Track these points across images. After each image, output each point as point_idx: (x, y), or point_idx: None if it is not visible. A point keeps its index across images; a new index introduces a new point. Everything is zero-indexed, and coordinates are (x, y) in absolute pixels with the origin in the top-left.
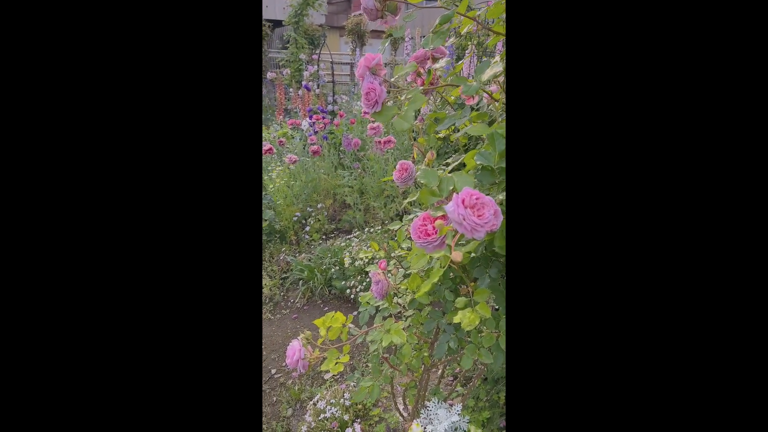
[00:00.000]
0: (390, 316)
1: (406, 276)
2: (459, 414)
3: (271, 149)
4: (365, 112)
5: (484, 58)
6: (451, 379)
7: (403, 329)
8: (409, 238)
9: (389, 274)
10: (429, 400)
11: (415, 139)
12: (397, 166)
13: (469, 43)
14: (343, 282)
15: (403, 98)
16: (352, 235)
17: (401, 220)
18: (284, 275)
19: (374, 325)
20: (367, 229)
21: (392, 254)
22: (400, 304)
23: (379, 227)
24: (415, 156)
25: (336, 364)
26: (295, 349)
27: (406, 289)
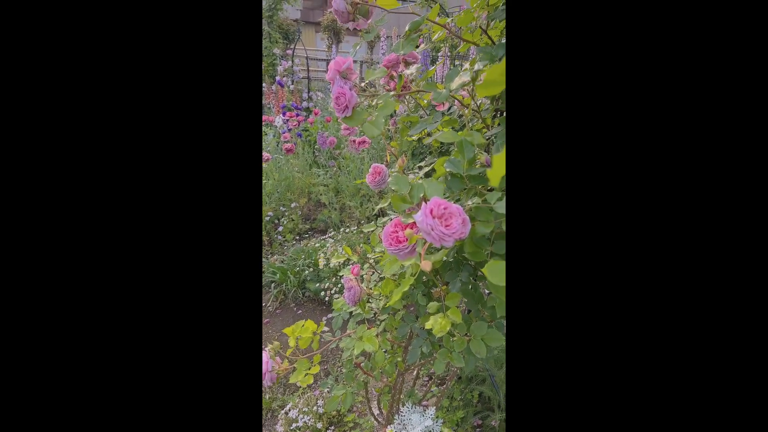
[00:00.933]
0: (363, 321)
1: (381, 279)
2: (432, 418)
3: None
4: (339, 117)
5: (457, 62)
6: (427, 379)
7: (377, 334)
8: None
9: (363, 278)
10: (404, 404)
11: (390, 140)
12: (370, 170)
13: (443, 45)
14: (318, 284)
15: (375, 102)
16: (327, 236)
17: (377, 220)
18: None
19: (348, 331)
20: (342, 229)
21: (366, 256)
22: (373, 309)
23: (355, 227)
24: (388, 158)
25: (306, 375)
26: (262, 361)
27: (380, 294)
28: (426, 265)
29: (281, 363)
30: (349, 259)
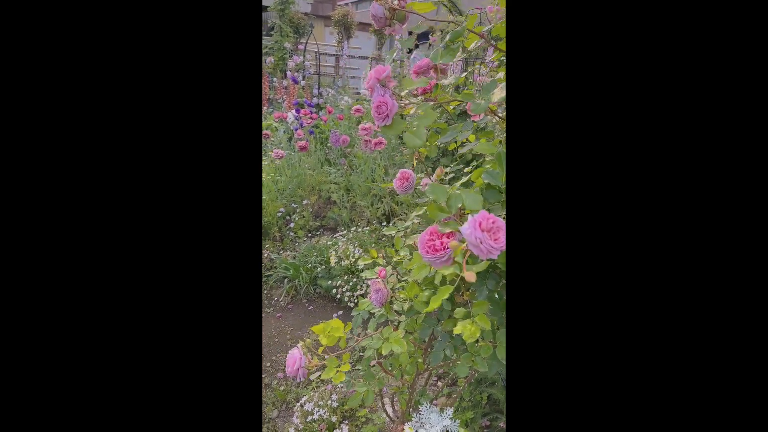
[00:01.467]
0: (386, 322)
1: (400, 280)
2: (450, 418)
3: None
4: (378, 126)
5: (476, 65)
6: (435, 379)
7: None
8: (408, 247)
9: (388, 281)
10: (421, 404)
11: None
12: (398, 175)
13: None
14: (329, 281)
15: (413, 111)
16: (337, 234)
17: (388, 220)
18: (267, 273)
19: (368, 331)
20: (354, 228)
21: (389, 259)
22: (396, 311)
23: (366, 227)
24: (414, 164)
25: (337, 373)
26: (296, 357)
27: (405, 298)
28: (470, 276)
29: (311, 360)
30: (375, 262)
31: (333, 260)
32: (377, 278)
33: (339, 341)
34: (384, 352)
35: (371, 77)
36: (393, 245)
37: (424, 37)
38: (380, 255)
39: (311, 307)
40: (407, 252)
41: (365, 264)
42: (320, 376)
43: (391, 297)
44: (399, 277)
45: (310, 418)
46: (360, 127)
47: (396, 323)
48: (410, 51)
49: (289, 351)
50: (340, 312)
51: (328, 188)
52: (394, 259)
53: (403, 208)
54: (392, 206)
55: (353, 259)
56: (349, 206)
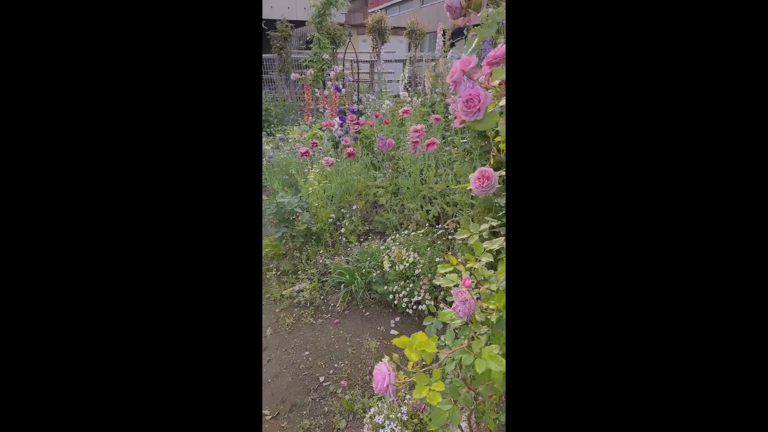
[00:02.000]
0: (473, 334)
1: (476, 287)
2: None
3: (307, 152)
4: (462, 120)
5: None
6: None
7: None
8: (490, 252)
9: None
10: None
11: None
12: (476, 173)
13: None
14: (385, 287)
15: (501, 103)
16: (388, 238)
17: (438, 222)
18: (323, 278)
19: (446, 344)
20: (404, 232)
21: (465, 265)
22: (479, 322)
23: (417, 230)
24: (491, 162)
25: (430, 392)
26: (384, 374)
27: (486, 307)
28: None
29: (397, 376)
30: (456, 269)
31: (386, 265)
32: (463, 288)
33: (423, 355)
34: (480, 370)
35: (456, 69)
36: (449, 248)
37: (458, 34)
38: (460, 262)
39: (368, 313)
40: (489, 257)
41: (444, 272)
42: (413, 395)
43: (479, 308)
44: (479, 285)
45: (381, 431)
46: (411, 129)
47: (473, 335)
48: (453, 45)
49: (376, 366)
50: (397, 318)
51: (374, 192)
52: (473, 266)
53: (456, 210)
54: (443, 207)
55: (407, 264)
56: (398, 209)
